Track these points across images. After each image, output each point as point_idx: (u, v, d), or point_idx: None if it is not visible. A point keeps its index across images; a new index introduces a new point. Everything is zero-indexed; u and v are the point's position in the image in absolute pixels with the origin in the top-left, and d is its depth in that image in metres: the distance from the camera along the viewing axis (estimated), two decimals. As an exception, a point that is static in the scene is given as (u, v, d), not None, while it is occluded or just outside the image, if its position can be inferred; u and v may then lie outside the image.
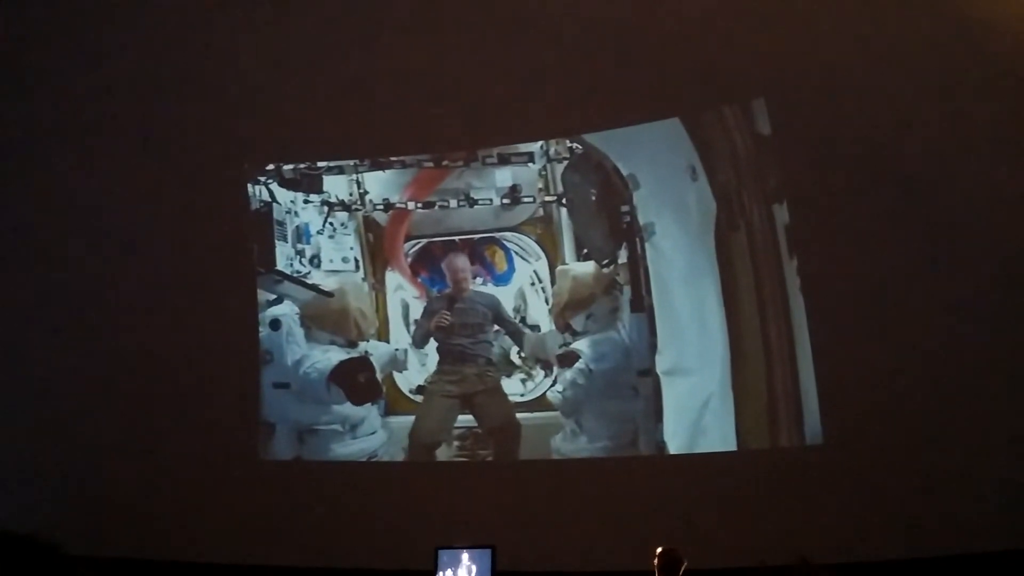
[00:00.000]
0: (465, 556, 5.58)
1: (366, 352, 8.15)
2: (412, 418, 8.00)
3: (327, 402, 8.12)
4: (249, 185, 8.35)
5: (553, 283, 7.76)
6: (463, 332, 7.88)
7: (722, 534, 6.47)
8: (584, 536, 6.89)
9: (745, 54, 6.89)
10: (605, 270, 7.56)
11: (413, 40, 7.67)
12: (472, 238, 8.02)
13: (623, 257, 7.47)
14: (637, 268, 7.38)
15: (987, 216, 6.32)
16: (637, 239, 7.38)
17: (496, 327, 7.87)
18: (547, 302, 7.80)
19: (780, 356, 6.79)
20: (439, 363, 7.97)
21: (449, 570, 5.56)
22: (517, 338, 7.83)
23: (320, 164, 8.30)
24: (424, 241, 8.17)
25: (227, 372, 8.20)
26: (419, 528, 6.92)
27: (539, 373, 7.78)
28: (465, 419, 7.85)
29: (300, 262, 8.29)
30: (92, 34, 8.31)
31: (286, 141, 8.21)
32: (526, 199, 7.82)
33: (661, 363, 7.25)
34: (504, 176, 7.86)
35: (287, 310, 8.29)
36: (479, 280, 8.01)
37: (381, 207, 8.20)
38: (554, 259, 7.78)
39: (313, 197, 8.32)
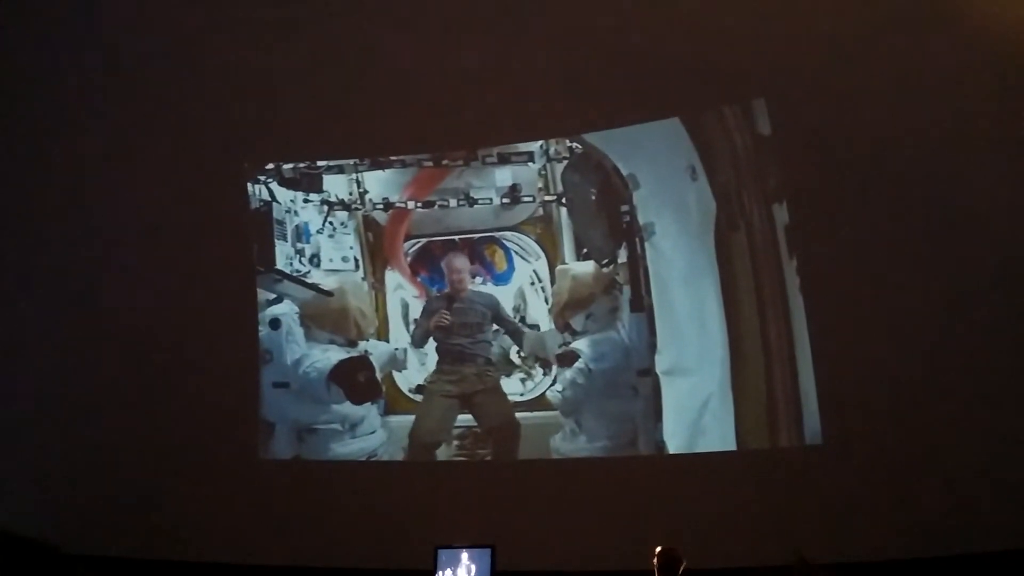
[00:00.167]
0: (464, 555, 5.59)
1: (366, 351, 8.15)
2: (411, 417, 8.00)
3: (327, 401, 8.12)
4: (249, 184, 8.34)
5: (553, 283, 7.76)
6: (462, 332, 7.88)
7: (721, 534, 6.47)
8: (583, 536, 6.89)
9: (745, 54, 6.89)
10: (605, 270, 7.56)
11: (413, 39, 7.67)
12: (472, 237, 8.02)
13: (623, 257, 7.47)
14: (637, 268, 7.38)
15: (987, 216, 6.32)
16: (637, 239, 7.38)
17: (495, 327, 7.87)
18: (547, 302, 7.80)
19: (780, 356, 6.80)
20: (438, 363, 7.97)
21: (448, 569, 5.56)
22: (516, 338, 7.83)
23: (320, 163, 8.30)
24: (424, 240, 8.17)
25: (227, 371, 8.20)
26: (418, 527, 6.93)
27: (538, 372, 7.78)
28: (464, 418, 7.86)
29: (300, 261, 8.29)
30: (92, 34, 8.31)
31: (286, 140, 8.21)
32: (526, 199, 7.82)
33: (661, 363, 7.25)
34: (504, 175, 7.86)
35: (287, 309, 8.30)
36: (479, 279, 8.01)
37: (381, 206, 8.20)
38: (554, 259, 7.78)
39: (313, 196, 8.32)
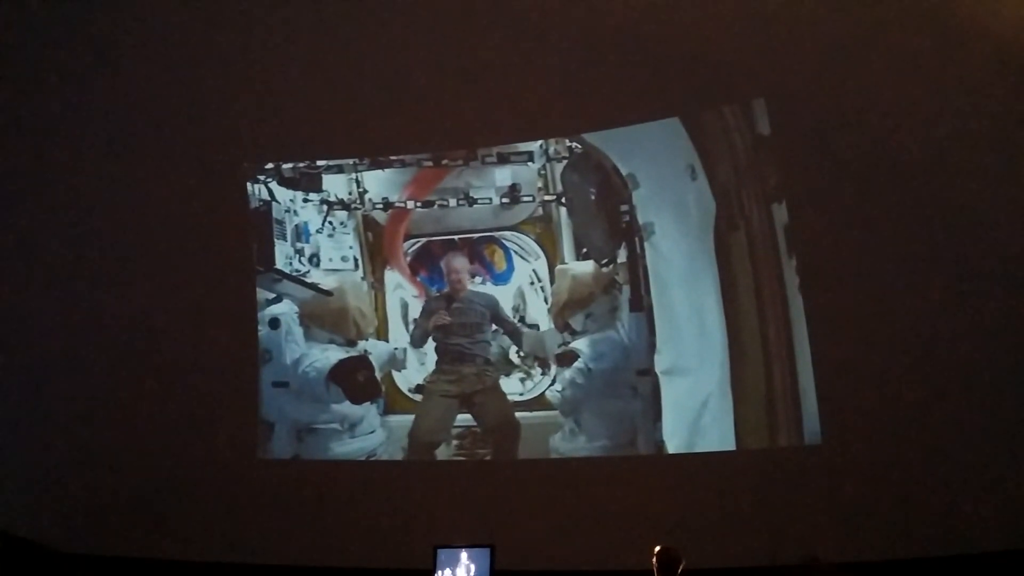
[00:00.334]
0: (464, 555, 5.58)
1: (365, 351, 8.16)
2: (411, 417, 8.00)
3: (326, 401, 8.12)
4: (248, 184, 8.34)
5: (552, 282, 7.76)
6: (461, 332, 7.88)
7: (720, 533, 6.48)
8: (583, 535, 6.90)
9: (745, 54, 6.89)
10: (604, 269, 7.56)
11: (413, 39, 7.66)
12: (471, 237, 8.02)
13: (622, 256, 7.47)
14: (636, 267, 7.38)
15: (987, 215, 6.32)
16: (636, 238, 7.38)
17: (494, 327, 7.87)
18: (546, 301, 7.80)
19: (779, 356, 6.79)
20: (438, 363, 7.98)
21: (448, 569, 5.56)
22: (515, 338, 7.83)
23: (319, 163, 8.30)
24: (423, 240, 8.17)
25: (226, 371, 8.21)
26: (418, 527, 6.94)
27: (537, 372, 7.78)
28: (464, 418, 7.86)
29: (299, 261, 8.29)
30: (92, 34, 8.30)
31: (285, 140, 8.20)
32: (525, 198, 7.82)
33: (660, 362, 7.25)
34: (503, 175, 7.86)
35: (286, 309, 8.30)
36: (478, 279, 8.01)
37: (380, 206, 8.20)
38: (553, 258, 7.79)
39: (312, 196, 8.32)
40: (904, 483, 6.30)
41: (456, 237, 8.05)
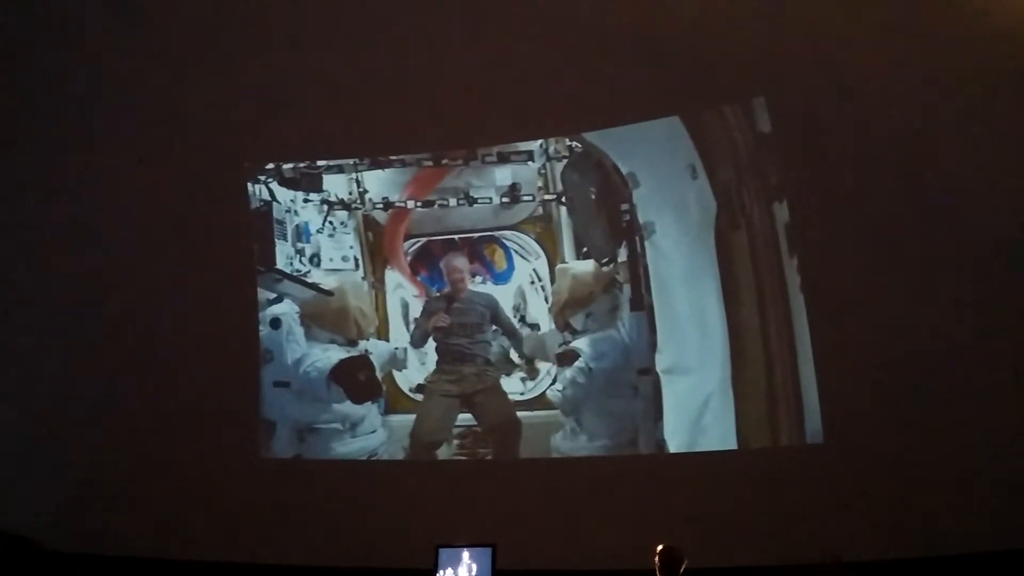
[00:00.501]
0: (465, 554, 5.58)
1: (366, 351, 8.16)
2: (412, 417, 8.00)
3: (327, 401, 8.13)
4: (249, 184, 8.34)
5: (553, 281, 7.76)
6: (462, 332, 7.88)
7: (722, 533, 6.47)
8: (584, 534, 6.90)
9: (746, 53, 6.88)
10: (605, 268, 7.56)
11: (412, 39, 7.66)
12: (472, 237, 8.02)
13: (623, 256, 7.46)
14: (637, 267, 7.38)
15: (988, 215, 6.31)
16: (637, 238, 7.38)
17: (494, 327, 7.87)
18: (547, 300, 7.80)
19: (780, 355, 6.79)
20: (438, 363, 7.98)
21: (449, 568, 5.56)
22: (515, 339, 7.82)
23: (320, 163, 8.30)
24: (424, 240, 8.17)
25: (227, 371, 8.21)
26: (419, 526, 6.92)
27: (539, 371, 7.77)
28: (465, 418, 7.86)
29: (300, 261, 8.29)
30: (92, 34, 8.31)
31: (286, 140, 8.20)
32: (526, 198, 7.82)
33: (661, 362, 7.25)
34: (504, 175, 7.86)
35: (287, 309, 8.30)
36: (478, 279, 8.01)
37: (381, 206, 8.20)
38: (554, 257, 7.79)
39: (313, 196, 8.32)
40: (905, 482, 6.30)
41: (456, 237, 8.05)
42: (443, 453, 7.90)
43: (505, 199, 7.86)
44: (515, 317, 7.88)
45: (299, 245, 8.29)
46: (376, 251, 8.27)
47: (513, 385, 7.82)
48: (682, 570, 4.74)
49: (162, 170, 8.34)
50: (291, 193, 8.35)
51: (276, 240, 8.25)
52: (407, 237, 8.18)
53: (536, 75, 7.43)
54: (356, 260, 8.27)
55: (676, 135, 7.19)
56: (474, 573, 5.55)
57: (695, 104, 7.18)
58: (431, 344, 8.00)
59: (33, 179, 8.67)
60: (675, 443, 7.16)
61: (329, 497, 7.76)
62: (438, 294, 8.08)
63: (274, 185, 8.35)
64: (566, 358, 7.59)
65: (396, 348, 8.14)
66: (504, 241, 7.97)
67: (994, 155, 6.33)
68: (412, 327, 8.12)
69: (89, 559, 7.90)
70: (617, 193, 7.50)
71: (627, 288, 7.42)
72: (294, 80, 7.94)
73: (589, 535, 6.88)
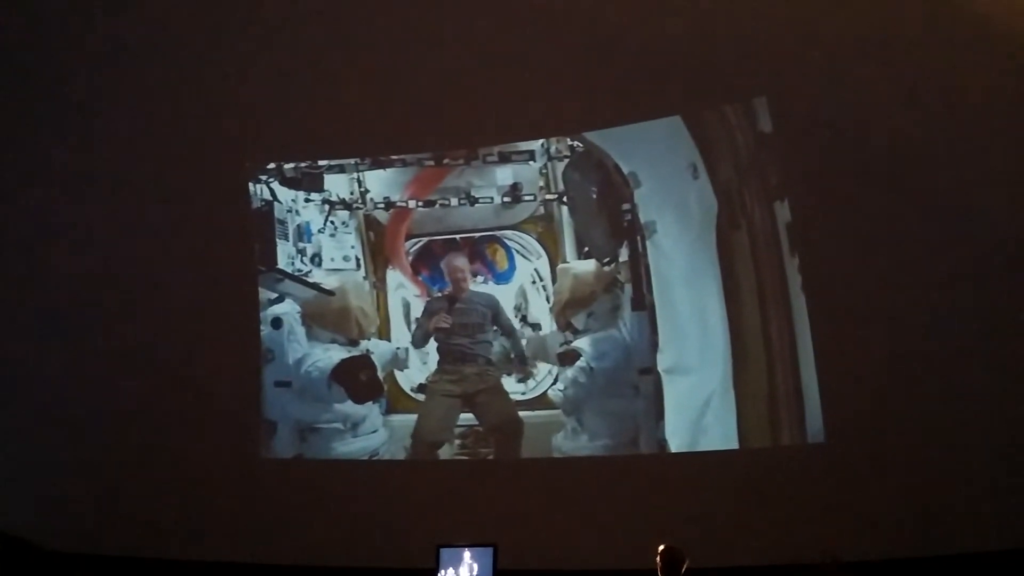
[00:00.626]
0: (467, 554, 5.58)
1: (367, 350, 8.16)
2: (413, 416, 8.00)
3: (328, 400, 8.13)
4: (250, 184, 8.35)
5: (554, 281, 7.76)
6: (463, 332, 7.88)
7: (724, 532, 6.48)
8: (585, 534, 6.90)
9: (747, 52, 6.88)
10: (606, 268, 7.56)
11: (414, 38, 7.66)
12: (473, 236, 8.02)
13: (624, 255, 7.46)
14: (638, 266, 7.38)
15: (989, 215, 6.31)
16: (638, 237, 7.38)
17: (495, 327, 7.88)
18: (548, 300, 7.80)
19: (781, 354, 6.79)
20: (439, 363, 7.98)
21: (451, 568, 5.56)
22: (514, 341, 7.82)
23: (321, 163, 8.31)
24: (425, 240, 8.18)
25: (228, 370, 8.21)
26: (420, 526, 6.92)
27: (531, 373, 7.77)
28: (467, 417, 7.86)
29: (301, 261, 8.29)
30: (93, 33, 8.31)
31: (287, 140, 8.21)
32: (527, 197, 7.82)
33: (662, 361, 7.25)
34: (505, 174, 7.86)
35: (288, 308, 8.30)
36: (480, 278, 8.01)
37: (382, 206, 8.21)
38: (555, 257, 7.79)
39: (314, 196, 8.32)
40: (906, 482, 6.30)
41: (458, 236, 8.05)
42: (444, 453, 7.90)
43: (506, 199, 7.86)
44: (516, 317, 7.88)
45: (300, 245, 8.29)
46: (377, 251, 8.27)
47: (514, 385, 7.82)
48: (683, 570, 4.74)
49: (163, 170, 8.35)
50: (292, 193, 8.35)
51: (277, 240, 8.25)
52: (408, 237, 8.18)
53: (537, 75, 7.42)
54: (357, 260, 8.27)
55: (677, 135, 7.19)
56: (475, 573, 5.54)
57: (696, 104, 7.18)
58: (432, 344, 8.00)
59: (34, 179, 8.67)
60: (676, 443, 7.16)
61: (330, 497, 7.76)
62: (440, 294, 8.08)
63: (275, 185, 8.35)
64: (567, 358, 7.59)
65: (397, 348, 8.14)
66: (505, 241, 7.97)
67: (994, 154, 6.33)
68: (413, 327, 8.12)
69: (89, 559, 7.91)
70: (618, 193, 7.50)
71: (628, 288, 7.42)
72: (295, 80, 7.94)
73: (590, 535, 6.88)
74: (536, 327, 7.82)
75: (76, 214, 8.57)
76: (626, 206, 7.46)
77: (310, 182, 8.32)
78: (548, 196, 7.77)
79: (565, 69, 7.37)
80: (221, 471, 7.96)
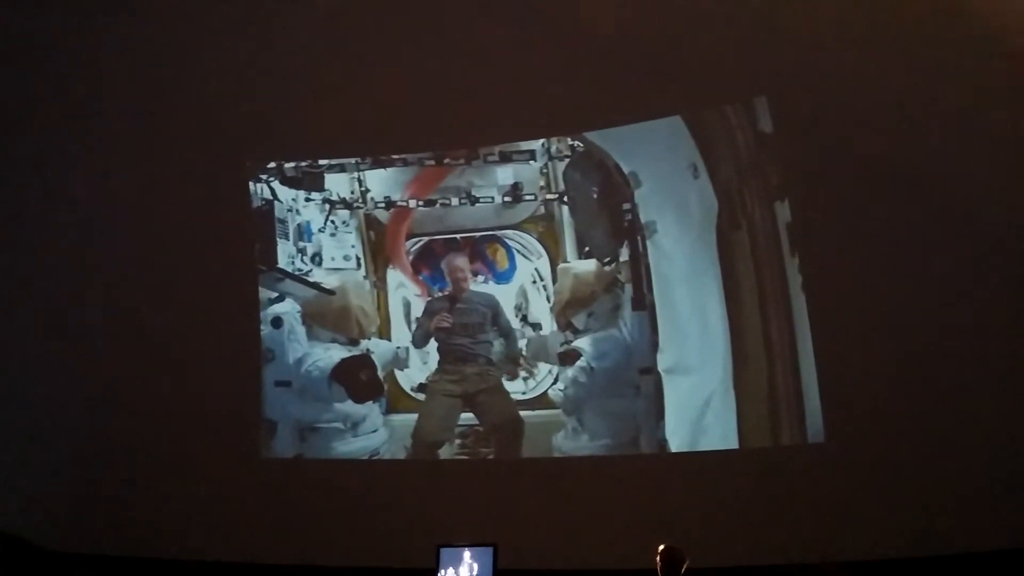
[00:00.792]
0: (467, 554, 5.58)
1: (368, 350, 8.16)
2: (414, 416, 8.00)
3: (329, 400, 8.12)
4: (251, 183, 8.34)
5: (555, 281, 7.76)
6: (464, 332, 7.88)
7: (724, 532, 6.47)
8: (586, 534, 6.90)
9: (747, 52, 6.89)
10: (607, 268, 7.56)
11: (414, 38, 7.67)
12: (474, 236, 8.02)
13: (624, 255, 7.47)
14: (639, 266, 7.38)
15: (990, 214, 6.31)
16: (639, 237, 7.38)
17: (495, 327, 7.89)
18: (549, 300, 7.80)
19: (782, 354, 6.79)
20: (440, 362, 7.98)
21: (451, 568, 5.55)
22: (509, 340, 7.82)
23: (322, 162, 8.31)
24: (426, 239, 8.18)
25: (229, 370, 8.20)
26: (420, 526, 6.93)
27: (541, 371, 7.78)
28: (467, 417, 7.86)
29: (302, 260, 8.29)
30: (93, 32, 8.31)
31: (287, 139, 8.21)
32: (528, 197, 7.82)
33: (663, 361, 7.25)
34: (506, 174, 7.86)
35: (289, 308, 8.30)
36: (480, 278, 8.01)
37: (383, 205, 8.21)
38: (556, 257, 7.79)
39: (315, 195, 8.32)
40: (907, 482, 6.29)
41: (458, 236, 8.05)
42: (445, 453, 7.90)
43: (507, 198, 7.86)
44: (517, 316, 7.88)
45: (301, 244, 8.29)
46: (378, 250, 8.27)
47: (515, 385, 7.82)
48: (683, 570, 4.74)
49: (163, 169, 8.34)
50: (293, 192, 8.35)
51: (278, 239, 8.25)
52: (409, 236, 8.18)
53: (538, 74, 7.43)
54: (358, 259, 8.27)
55: (678, 134, 7.19)
56: (475, 573, 5.54)
57: (697, 103, 7.18)
58: (433, 344, 8.00)
59: (34, 179, 8.67)
60: (676, 442, 7.16)
61: (330, 497, 7.76)
62: (440, 294, 8.08)
63: (276, 184, 8.35)
64: (568, 357, 7.59)
65: (398, 347, 8.15)
66: (506, 240, 7.97)
67: (994, 154, 6.33)
68: (414, 327, 8.12)
69: (89, 559, 7.91)
70: (619, 192, 7.50)
71: (629, 287, 7.43)
72: (296, 79, 7.94)
73: (590, 535, 6.88)
74: (537, 327, 7.82)
75: (76, 214, 8.57)
76: (627, 206, 7.46)
77: (311, 181, 8.32)
78: (549, 196, 7.77)
79: (565, 69, 7.36)
80: (221, 471, 7.96)
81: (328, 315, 8.21)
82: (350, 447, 8.09)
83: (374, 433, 8.08)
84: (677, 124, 7.22)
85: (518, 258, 7.95)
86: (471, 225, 8.02)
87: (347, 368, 8.12)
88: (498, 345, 7.87)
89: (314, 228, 8.30)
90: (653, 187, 7.38)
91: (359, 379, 8.11)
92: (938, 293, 6.38)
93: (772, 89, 6.89)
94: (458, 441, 7.86)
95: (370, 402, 8.10)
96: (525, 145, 7.77)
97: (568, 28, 7.34)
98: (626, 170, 7.46)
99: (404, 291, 8.22)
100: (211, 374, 8.16)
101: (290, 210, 8.33)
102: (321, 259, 8.27)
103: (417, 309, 8.15)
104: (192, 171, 8.29)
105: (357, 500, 7.69)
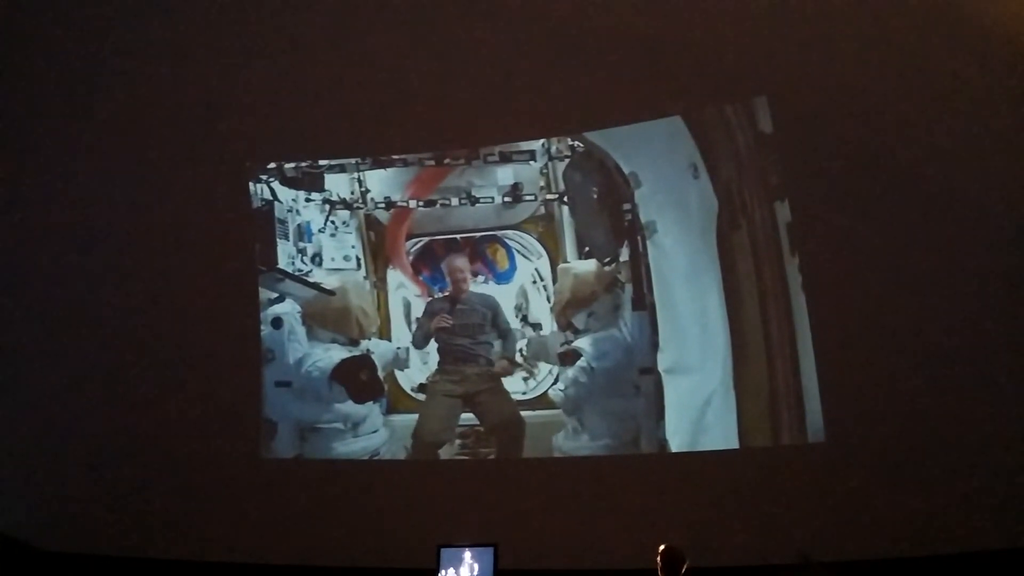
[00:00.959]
0: (467, 554, 5.59)
1: (368, 350, 8.16)
2: (414, 416, 8.01)
3: (329, 400, 8.13)
4: (251, 183, 8.35)
5: (555, 281, 7.77)
6: (464, 333, 7.89)
7: (724, 532, 6.48)
8: (586, 534, 6.90)
9: (747, 52, 6.89)
10: (607, 268, 7.56)
11: (414, 38, 7.67)
12: (474, 236, 8.03)
13: (625, 255, 7.47)
14: (639, 266, 7.38)
15: (989, 214, 6.32)
16: (639, 237, 7.39)
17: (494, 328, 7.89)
18: (549, 300, 7.80)
19: (782, 354, 6.79)
20: (440, 363, 7.98)
21: (451, 568, 5.57)
22: (506, 340, 7.82)
23: (322, 162, 8.31)
24: (426, 239, 8.18)
25: (229, 370, 8.21)
26: (421, 526, 6.93)
27: (541, 370, 7.78)
28: (468, 417, 7.86)
29: (302, 260, 8.30)
30: (94, 32, 8.31)
31: (288, 139, 8.21)
32: (528, 197, 7.82)
33: (663, 361, 7.25)
34: (506, 174, 7.87)
35: (289, 308, 8.30)
36: (481, 278, 8.01)
37: (383, 205, 8.21)
38: (556, 257, 7.79)
39: (315, 195, 8.33)
40: (907, 482, 6.30)
41: (458, 236, 8.06)
42: (445, 453, 7.90)
43: (507, 199, 7.87)
44: (517, 317, 7.88)
45: (301, 244, 8.29)
46: (378, 251, 8.28)
47: (515, 384, 7.82)
48: (683, 570, 4.74)
49: (164, 170, 8.35)
50: (293, 192, 8.35)
51: (278, 239, 8.26)
52: (409, 237, 8.18)
53: (538, 75, 7.43)
54: (358, 260, 8.28)
55: (678, 134, 7.20)
56: (476, 573, 5.55)
57: (696, 103, 7.19)
58: (433, 344, 8.01)
59: (35, 179, 8.67)
60: (677, 442, 7.16)
61: (330, 497, 7.76)
62: (441, 295, 8.08)
63: (276, 184, 8.35)
64: (568, 357, 7.59)
65: (398, 348, 8.15)
66: (506, 241, 7.97)
67: (994, 153, 6.33)
68: (414, 327, 8.12)
69: (88, 559, 7.92)
70: (619, 192, 7.50)
71: (629, 287, 7.43)
72: (296, 79, 7.95)
73: (591, 535, 6.88)
74: (537, 327, 7.83)
75: (76, 214, 8.57)
76: (627, 206, 7.46)
77: (311, 182, 8.33)
78: (549, 196, 7.78)
79: (566, 69, 7.37)
80: (221, 471, 7.97)
81: (328, 315, 8.22)
82: (350, 447, 8.09)
83: (374, 433, 8.08)
84: (677, 124, 7.22)
85: (518, 258, 7.96)
86: (471, 225, 8.02)
87: (347, 368, 8.12)
88: (498, 346, 7.87)
89: (314, 228, 8.30)
90: (653, 187, 7.38)
91: (359, 379, 8.11)
92: (938, 293, 6.38)
93: (772, 89, 6.90)
94: (459, 441, 7.87)
95: (370, 402, 8.11)
96: (525, 145, 7.78)
97: (568, 28, 7.34)
98: (626, 170, 7.47)
99: (404, 291, 8.22)
100: (211, 374, 8.17)
101: (290, 210, 8.33)
102: (321, 259, 8.28)
103: (417, 309, 8.15)
104: (192, 171, 8.30)
105: (357, 500, 7.69)
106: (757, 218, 6.98)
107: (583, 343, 7.56)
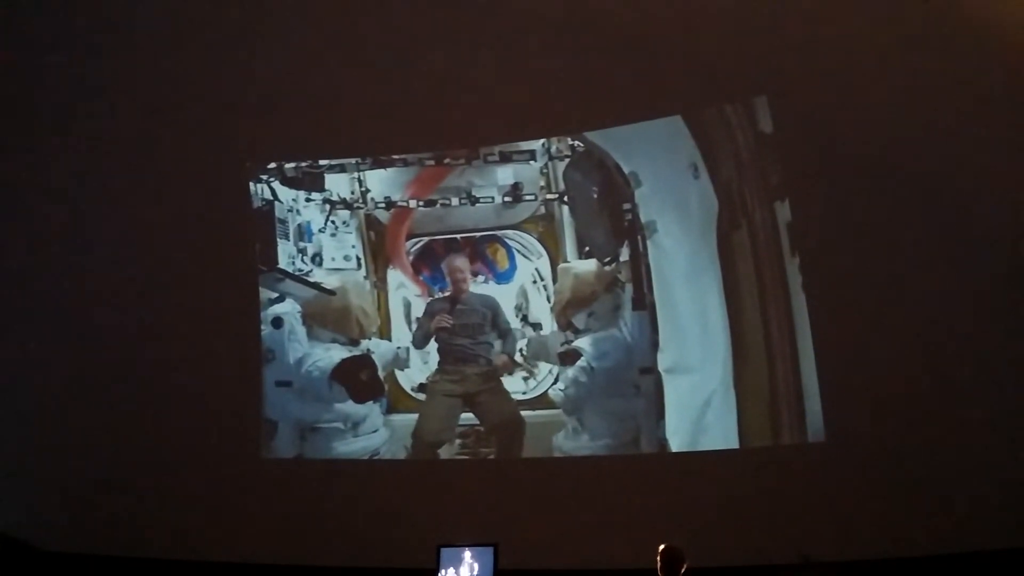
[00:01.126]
0: (467, 554, 5.59)
1: (368, 350, 8.16)
2: (414, 416, 8.01)
3: (329, 400, 8.13)
4: (251, 183, 8.35)
5: (555, 281, 7.77)
6: (464, 333, 7.89)
7: (724, 532, 6.47)
8: (586, 534, 6.89)
9: (747, 52, 6.89)
10: (607, 268, 7.56)
11: (415, 38, 7.67)
12: (474, 236, 8.03)
13: (625, 255, 7.47)
14: (639, 266, 7.38)
15: (989, 213, 6.31)
16: (639, 237, 7.39)
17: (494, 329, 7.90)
18: (549, 300, 7.80)
19: (782, 354, 6.79)
20: (440, 363, 7.99)
21: (451, 568, 5.56)
22: (505, 340, 7.82)
23: (322, 162, 8.31)
24: (426, 239, 8.18)
25: (229, 370, 8.21)
26: (421, 526, 6.92)
27: (541, 370, 7.78)
28: (468, 417, 7.86)
29: (302, 260, 8.30)
30: (95, 33, 8.31)
31: (288, 139, 8.21)
32: (528, 197, 7.82)
33: (663, 361, 7.25)
34: (506, 174, 7.87)
35: (289, 308, 8.31)
36: (481, 278, 8.01)
37: (383, 205, 8.21)
38: (556, 257, 7.79)
39: (315, 195, 8.33)
40: (907, 481, 6.30)
41: (458, 236, 8.06)
42: (445, 452, 7.90)
43: (507, 198, 7.87)
44: (517, 316, 7.88)
45: (301, 244, 8.30)
46: (378, 250, 8.28)
47: (515, 384, 7.82)
48: (683, 570, 4.74)
49: (164, 170, 8.35)
50: (293, 192, 8.36)
51: (278, 239, 8.26)
52: (409, 236, 8.19)
53: (538, 74, 7.43)
54: (358, 259, 8.28)
55: (678, 134, 7.20)
56: (476, 573, 5.55)
57: (697, 103, 7.19)
58: (433, 344, 8.01)
59: (35, 180, 8.67)
60: (677, 442, 7.16)
61: (330, 497, 7.77)
62: (441, 295, 8.08)
63: (276, 184, 8.36)
64: (568, 357, 7.59)
65: (398, 347, 8.15)
66: (506, 240, 7.97)
67: (994, 153, 6.33)
68: (414, 327, 8.12)
69: (89, 559, 7.92)
70: (619, 192, 7.50)
71: (629, 287, 7.43)
72: (296, 79, 7.95)
73: (591, 535, 6.88)
74: (537, 327, 7.83)
75: (76, 214, 8.58)
76: (627, 206, 7.46)
77: (311, 182, 8.33)
78: (549, 196, 7.78)
79: (566, 69, 7.37)
80: (221, 471, 7.97)
81: (328, 315, 8.22)
82: (350, 447, 8.09)
83: (374, 433, 8.08)
84: (677, 124, 7.22)
85: (518, 258, 7.96)
86: (471, 225, 8.02)
87: (347, 368, 8.12)
88: (498, 346, 7.87)
89: (314, 228, 8.30)
90: (653, 187, 7.38)
91: (359, 379, 8.11)
92: (938, 292, 6.38)
93: (772, 89, 6.90)
94: (459, 441, 7.87)
95: (370, 402, 8.11)
96: (525, 145, 7.78)
97: (568, 28, 7.34)
98: (626, 170, 7.47)
99: (404, 291, 8.23)
100: (211, 374, 8.17)
101: (290, 210, 8.34)
102: (321, 259, 8.28)
103: (417, 309, 8.15)
104: (192, 171, 8.30)
105: (357, 500, 7.69)
106: (757, 218, 6.98)
107: (583, 343, 7.56)
